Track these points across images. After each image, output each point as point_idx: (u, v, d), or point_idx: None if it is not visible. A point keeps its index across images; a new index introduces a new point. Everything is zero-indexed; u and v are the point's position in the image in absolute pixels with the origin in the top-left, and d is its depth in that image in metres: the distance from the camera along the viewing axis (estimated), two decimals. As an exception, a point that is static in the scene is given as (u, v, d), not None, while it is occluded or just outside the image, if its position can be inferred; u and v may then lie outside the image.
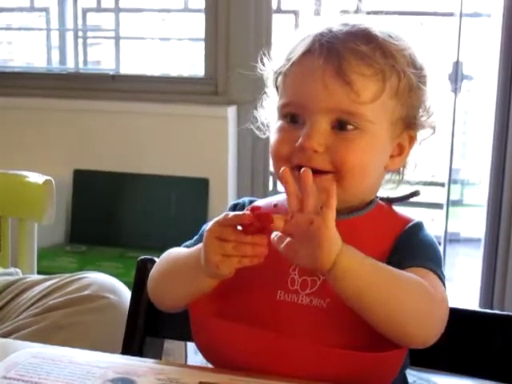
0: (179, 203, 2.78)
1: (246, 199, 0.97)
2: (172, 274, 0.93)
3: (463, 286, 2.82)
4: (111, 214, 2.93)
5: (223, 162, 2.73)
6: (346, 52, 0.85)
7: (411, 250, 0.88)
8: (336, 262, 0.78)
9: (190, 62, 3.15)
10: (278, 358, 0.82)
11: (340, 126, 0.86)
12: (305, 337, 0.84)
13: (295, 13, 2.95)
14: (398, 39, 0.89)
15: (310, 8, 3.04)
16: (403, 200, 0.96)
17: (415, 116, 0.91)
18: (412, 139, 0.92)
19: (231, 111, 2.68)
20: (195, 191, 2.79)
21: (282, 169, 0.82)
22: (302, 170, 0.81)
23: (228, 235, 0.82)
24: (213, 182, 2.76)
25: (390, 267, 0.82)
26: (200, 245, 0.87)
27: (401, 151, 0.92)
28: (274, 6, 2.85)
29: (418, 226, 0.92)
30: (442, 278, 0.86)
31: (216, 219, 0.84)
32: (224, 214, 0.84)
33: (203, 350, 0.91)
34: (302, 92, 0.87)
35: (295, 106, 0.88)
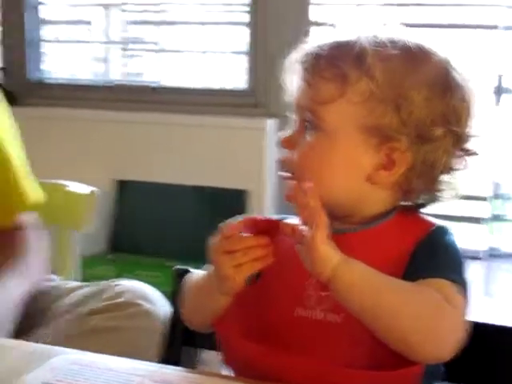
0: (218, 214, 2.78)
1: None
2: (192, 298, 0.96)
3: (504, 301, 2.77)
4: (152, 224, 2.96)
5: (262, 174, 2.74)
6: (320, 56, 0.88)
7: (429, 257, 0.85)
8: (332, 276, 0.79)
9: (231, 75, 3.18)
10: (296, 378, 0.82)
11: (309, 126, 0.89)
12: (320, 353, 0.84)
13: (333, 26, 2.96)
14: (403, 51, 0.86)
15: (348, 21, 3.05)
16: (424, 206, 0.93)
17: (397, 129, 0.85)
18: (404, 154, 0.86)
19: (271, 123, 2.69)
20: (234, 202, 2.80)
21: (289, 183, 0.85)
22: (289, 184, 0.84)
23: (234, 245, 0.85)
24: (252, 193, 2.77)
25: (396, 280, 0.81)
26: (208, 267, 0.90)
27: (391, 165, 0.87)
28: (313, 18, 2.87)
29: (440, 231, 0.89)
30: (462, 288, 0.83)
31: (217, 236, 0.87)
32: (222, 226, 0.87)
33: (228, 364, 0.93)
34: (292, 95, 0.92)
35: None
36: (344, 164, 0.87)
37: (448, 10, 2.72)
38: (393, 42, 0.87)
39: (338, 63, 0.86)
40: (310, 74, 0.88)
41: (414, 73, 0.86)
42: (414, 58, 0.87)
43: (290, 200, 0.87)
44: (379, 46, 0.86)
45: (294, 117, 0.92)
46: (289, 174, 0.91)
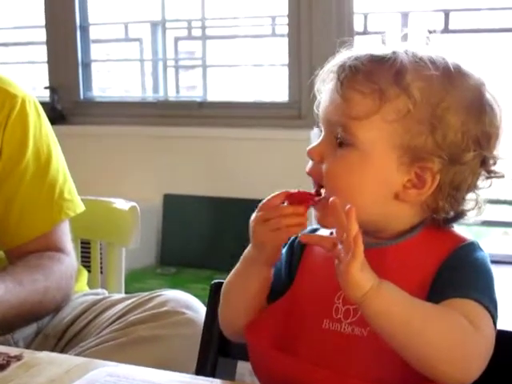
0: (265, 226, 2.81)
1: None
2: (231, 287, 0.98)
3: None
4: (200, 237, 3.00)
5: (309, 185, 2.74)
6: (358, 69, 0.85)
7: (456, 276, 0.83)
8: (363, 301, 0.78)
9: (275, 87, 3.20)
10: None
11: (340, 141, 0.86)
12: (346, 366, 0.85)
13: (382, 34, 2.96)
14: (441, 70, 0.84)
15: (396, 29, 3.04)
16: (455, 220, 0.90)
17: (431, 151, 0.84)
18: (433, 174, 0.85)
19: (314, 134, 2.70)
20: (281, 214, 2.82)
21: (331, 199, 0.81)
22: (331, 199, 0.80)
23: (270, 213, 0.88)
24: (298, 204, 2.78)
25: (423, 304, 0.80)
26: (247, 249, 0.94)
27: (421, 184, 0.85)
28: (361, 28, 2.87)
29: (469, 248, 0.86)
30: (489, 308, 0.81)
31: (255, 211, 0.90)
32: (263, 201, 0.89)
33: (257, 374, 0.94)
34: (321, 106, 0.90)
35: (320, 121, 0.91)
36: (373, 181, 0.86)
37: (497, 14, 2.69)
38: (433, 61, 0.85)
39: (376, 79, 0.84)
40: (346, 87, 0.85)
41: (452, 95, 0.84)
42: (453, 79, 0.85)
43: (324, 224, 0.88)
44: (419, 64, 0.84)
45: (322, 128, 0.90)
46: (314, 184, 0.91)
